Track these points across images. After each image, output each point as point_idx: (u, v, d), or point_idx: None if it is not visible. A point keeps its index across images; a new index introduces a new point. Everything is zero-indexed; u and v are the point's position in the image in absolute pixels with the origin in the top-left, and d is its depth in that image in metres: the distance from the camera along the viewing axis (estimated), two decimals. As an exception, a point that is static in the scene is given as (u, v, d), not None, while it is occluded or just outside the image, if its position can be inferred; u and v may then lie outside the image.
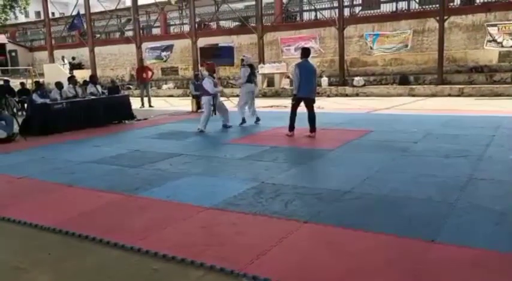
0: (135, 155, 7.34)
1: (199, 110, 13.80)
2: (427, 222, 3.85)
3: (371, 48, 18.63)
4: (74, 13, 24.02)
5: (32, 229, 4.10)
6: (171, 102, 17.97)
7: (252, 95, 10.51)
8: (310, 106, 8.40)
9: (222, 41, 21.62)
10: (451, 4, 19.36)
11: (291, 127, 8.50)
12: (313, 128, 8.41)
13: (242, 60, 10.71)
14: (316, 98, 8.55)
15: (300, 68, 8.29)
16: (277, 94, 18.31)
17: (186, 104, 15.02)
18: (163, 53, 23.10)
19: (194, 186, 5.36)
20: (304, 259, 3.27)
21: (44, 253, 3.59)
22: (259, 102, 15.58)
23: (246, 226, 3.98)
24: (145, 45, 23.68)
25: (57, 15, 34.45)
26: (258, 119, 10.42)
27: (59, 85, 11.42)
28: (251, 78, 10.45)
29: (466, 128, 8.66)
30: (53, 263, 3.42)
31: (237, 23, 25.09)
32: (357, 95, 17.07)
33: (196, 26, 22.31)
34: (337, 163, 6.32)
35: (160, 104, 16.87)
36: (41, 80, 17.37)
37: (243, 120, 10.25)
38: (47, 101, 10.75)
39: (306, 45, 19.88)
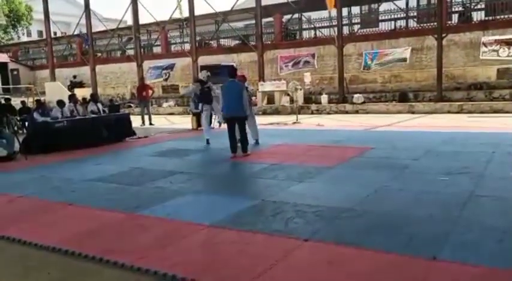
0: (136, 173, 7.33)
1: (199, 128, 13.87)
2: (429, 240, 3.82)
3: (369, 66, 18.66)
4: (76, 33, 24.36)
5: (31, 248, 4.07)
6: (171, 120, 18.03)
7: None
8: (240, 126, 8.40)
9: (222, 59, 21.80)
10: (449, 22, 19.57)
11: (231, 148, 8.37)
12: (244, 149, 8.40)
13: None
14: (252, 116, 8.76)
15: (221, 89, 8.54)
16: (277, 111, 18.38)
17: (186, 122, 15.06)
18: (164, 71, 23.21)
19: (195, 204, 5.35)
20: (304, 278, 3.24)
21: (43, 273, 3.56)
22: (260, 120, 15.67)
23: (246, 244, 3.95)
24: (147, 65, 23.86)
25: (59, 34, 34.83)
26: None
27: (61, 103, 11.48)
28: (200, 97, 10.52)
29: (466, 145, 8.66)
30: (52, 283, 3.39)
31: (237, 42, 25.33)
32: (357, 112, 17.13)
33: (197, 44, 22.52)
34: (338, 180, 6.31)
35: (161, 121, 16.93)
36: (42, 98, 17.46)
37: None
38: (48, 119, 10.79)
39: (304, 60, 20.31)
